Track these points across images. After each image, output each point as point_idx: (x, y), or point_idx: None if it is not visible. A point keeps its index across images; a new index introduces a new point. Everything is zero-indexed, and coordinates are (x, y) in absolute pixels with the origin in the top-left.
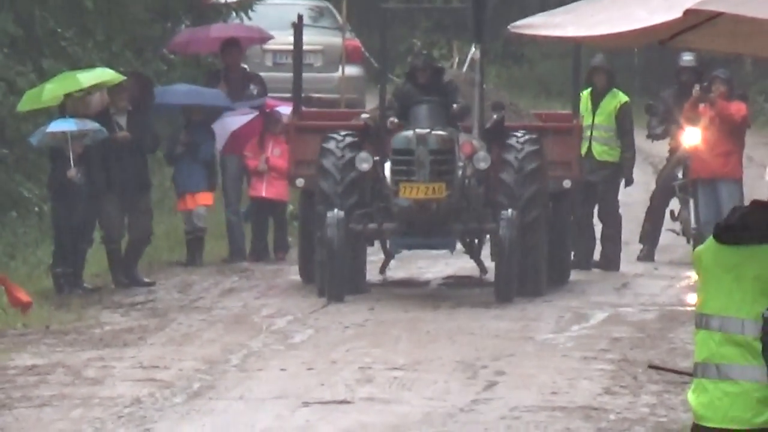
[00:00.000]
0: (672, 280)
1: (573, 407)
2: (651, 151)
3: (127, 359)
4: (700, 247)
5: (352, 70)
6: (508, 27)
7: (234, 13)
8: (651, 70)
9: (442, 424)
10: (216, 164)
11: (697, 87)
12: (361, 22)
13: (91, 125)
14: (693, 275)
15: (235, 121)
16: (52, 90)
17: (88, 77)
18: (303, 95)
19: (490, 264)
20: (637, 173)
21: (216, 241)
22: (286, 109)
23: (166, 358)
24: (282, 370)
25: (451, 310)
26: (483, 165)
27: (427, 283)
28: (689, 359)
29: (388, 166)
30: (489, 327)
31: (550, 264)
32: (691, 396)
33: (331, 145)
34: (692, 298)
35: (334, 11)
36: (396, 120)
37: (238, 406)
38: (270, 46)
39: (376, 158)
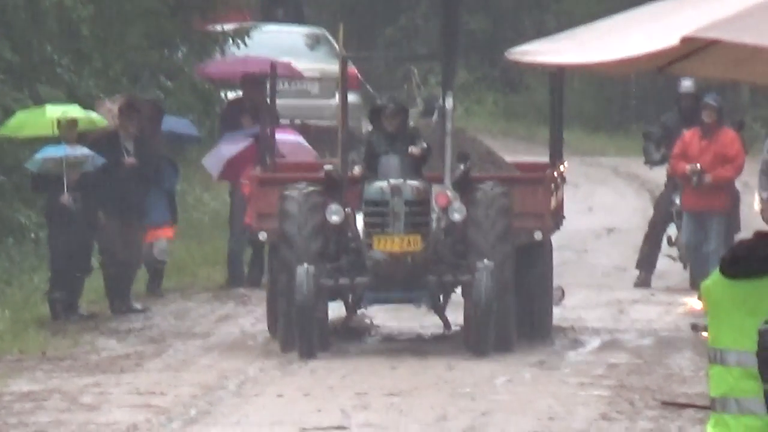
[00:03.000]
0: (669, 306)
1: None
2: (648, 176)
3: (124, 385)
4: (707, 281)
5: (349, 98)
6: (505, 54)
7: (231, 40)
8: (647, 96)
9: None
10: (175, 197)
11: (688, 167)
12: (358, 50)
13: (81, 151)
14: (690, 301)
15: (230, 149)
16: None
17: (55, 110)
18: (299, 123)
19: (454, 319)
20: (634, 199)
21: (213, 268)
22: (284, 137)
23: (163, 384)
24: (279, 396)
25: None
26: (458, 216)
27: (390, 340)
28: (686, 385)
29: (360, 218)
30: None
31: (525, 320)
32: (711, 431)
33: (294, 197)
34: (687, 324)
35: (331, 38)
36: (359, 169)
37: (241, 429)
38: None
39: (347, 210)
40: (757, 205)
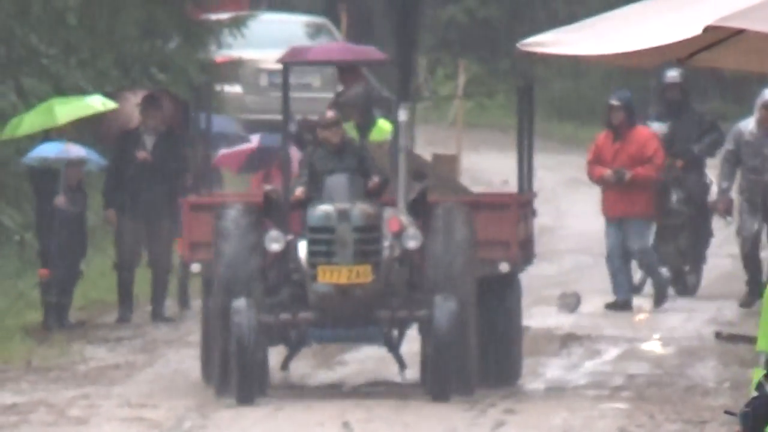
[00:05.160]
0: (690, 313)
1: None
2: None
3: (114, 397)
4: None
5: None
6: (517, 45)
7: (227, 30)
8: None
9: None
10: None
11: (609, 172)
12: (360, 39)
13: (78, 152)
14: (710, 307)
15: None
16: (30, 123)
17: (65, 113)
18: (300, 118)
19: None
20: None
21: None
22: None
23: (155, 396)
24: (277, 409)
25: None
26: (413, 244)
27: (338, 385)
28: (710, 397)
29: (302, 246)
30: None
31: (490, 358)
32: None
33: (228, 222)
34: (710, 332)
35: (332, 28)
36: (302, 190)
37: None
38: (264, 65)
39: (289, 237)
40: (713, 194)
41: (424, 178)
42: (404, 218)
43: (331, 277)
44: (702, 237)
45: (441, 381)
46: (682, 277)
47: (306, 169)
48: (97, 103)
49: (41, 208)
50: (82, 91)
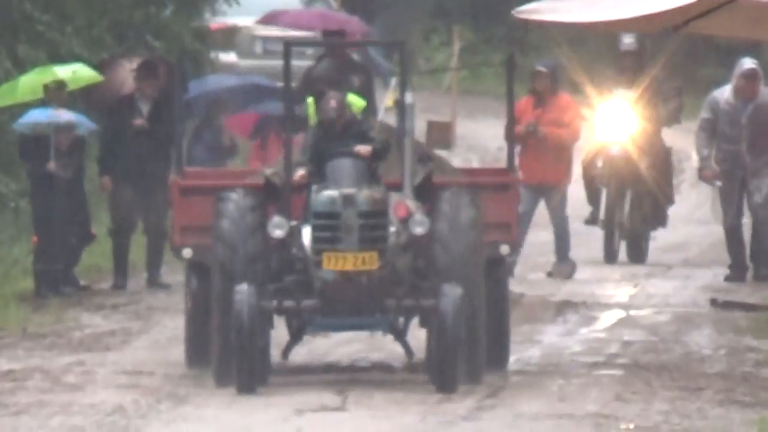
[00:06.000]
0: (686, 280)
1: (581, 415)
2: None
3: (109, 364)
4: None
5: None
6: (512, 12)
7: None
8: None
9: None
10: None
11: (522, 126)
12: (355, 8)
13: (67, 116)
14: (706, 274)
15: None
16: (28, 82)
17: (64, 69)
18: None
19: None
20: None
21: None
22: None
23: (151, 362)
24: (275, 374)
25: None
26: (420, 230)
27: (341, 368)
28: (705, 364)
29: (307, 232)
30: None
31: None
32: None
33: (229, 207)
34: (706, 299)
35: None
36: (304, 172)
37: (227, 414)
38: (260, 32)
39: (293, 223)
40: (696, 163)
41: (428, 161)
42: (411, 203)
43: (336, 263)
44: (663, 202)
45: (446, 373)
46: (639, 244)
47: (308, 152)
48: (63, 73)
49: (34, 175)
50: (78, 58)
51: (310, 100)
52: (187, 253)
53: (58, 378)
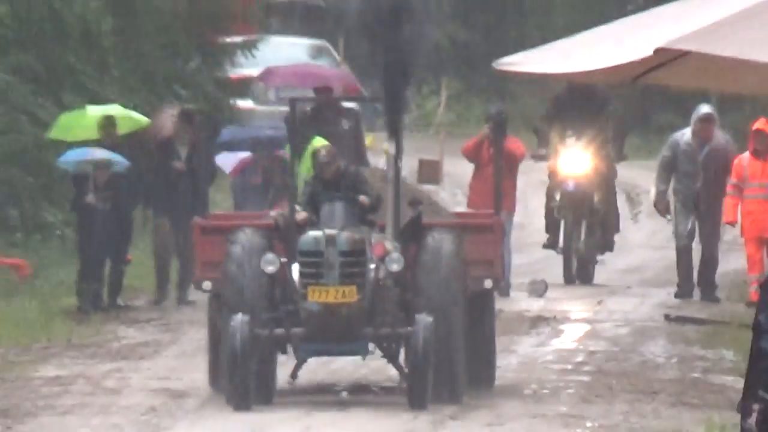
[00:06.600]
0: (643, 298)
1: (553, 415)
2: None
3: (143, 371)
4: None
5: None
6: (492, 64)
7: (240, 52)
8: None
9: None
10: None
11: (485, 128)
12: (357, 62)
13: (102, 154)
14: (660, 293)
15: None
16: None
17: (115, 108)
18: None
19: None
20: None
21: None
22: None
23: (179, 369)
24: (291, 377)
25: None
26: (396, 267)
27: (339, 390)
28: (660, 370)
29: (295, 267)
30: None
31: (475, 366)
32: None
33: (237, 245)
34: (660, 315)
35: (332, 49)
36: (303, 213)
37: (245, 414)
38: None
39: (283, 259)
40: (653, 195)
41: (419, 204)
42: (389, 243)
43: (319, 296)
44: (611, 231)
45: (417, 392)
46: (588, 267)
47: (306, 197)
48: (114, 111)
49: (76, 206)
50: (115, 104)
51: (307, 153)
52: (206, 285)
53: (98, 383)
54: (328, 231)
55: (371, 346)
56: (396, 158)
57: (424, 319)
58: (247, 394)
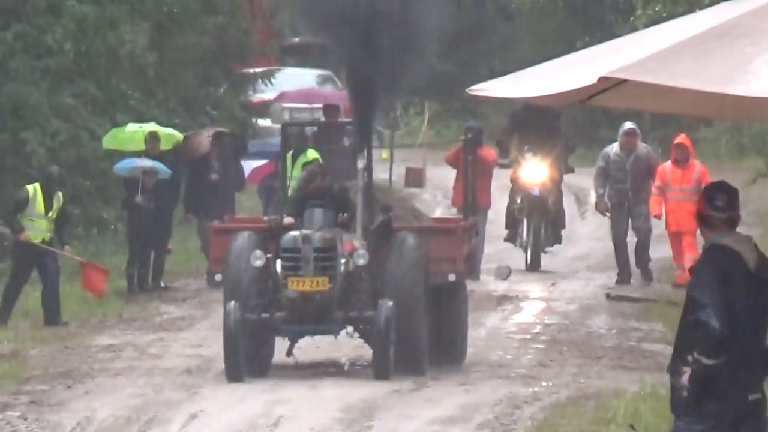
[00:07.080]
0: (588, 281)
1: (514, 376)
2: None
3: (181, 340)
4: None
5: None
6: (466, 90)
7: (260, 80)
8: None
9: (409, 392)
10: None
11: (462, 138)
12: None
13: (145, 163)
14: (602, 276)
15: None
16: (132, 136)
17: (157, 126)
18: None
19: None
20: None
21: None
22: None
23: (209, 339)
24: (287, 355)
25: None
26: (362, 261)
27: (334, 363)
28: (602, 339)
29: (279, 262)
30: None
31: (443, 346)
32: None
33: (237, 244)
34: (602, 294)
35: (336, 78)
36: (289, 218)
37: (271, 377)
38: (287, 104)
39: (269, 255)
40: (593, 198)
41: (390, 210)
42: (357, 242)
43: (297, 285)
44: (560, 227)
45: (380, 365)
46: (539, 256)
47: (291, 205)
48: (157, 127)
49: (126, 205)
50: (158, 123)
51: (299, 162)
52: (218, 277)
53: (144, 350)
54: (305, 231)
55: (350, 328)
56: (366, 170)
57: (386, 303)
58: (238, 368)
